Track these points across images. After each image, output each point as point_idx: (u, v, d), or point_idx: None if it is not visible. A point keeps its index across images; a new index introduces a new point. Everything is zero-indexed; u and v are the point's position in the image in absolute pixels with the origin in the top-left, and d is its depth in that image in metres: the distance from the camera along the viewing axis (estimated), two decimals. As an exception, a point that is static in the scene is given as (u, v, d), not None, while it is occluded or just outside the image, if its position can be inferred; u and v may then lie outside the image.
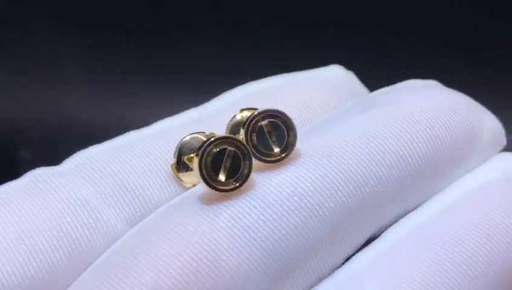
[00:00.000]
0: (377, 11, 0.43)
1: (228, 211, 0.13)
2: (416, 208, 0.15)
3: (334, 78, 0.19)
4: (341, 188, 0.14)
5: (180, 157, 0.16)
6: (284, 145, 0.14)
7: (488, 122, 0.16)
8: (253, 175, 0.14)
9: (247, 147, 0.14)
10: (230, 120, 0.16)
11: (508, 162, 0.16)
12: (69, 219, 0.14)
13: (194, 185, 0.16)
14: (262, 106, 0.15)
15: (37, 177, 0.15)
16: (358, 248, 0.14)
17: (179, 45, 0.45)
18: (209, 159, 0.14)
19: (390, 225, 0.15)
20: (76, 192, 0.15)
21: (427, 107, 0.15)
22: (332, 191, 0.14)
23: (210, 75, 0.45)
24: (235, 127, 0.16)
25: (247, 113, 0.15)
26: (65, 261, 0.14)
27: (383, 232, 0.15)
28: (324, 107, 0.17)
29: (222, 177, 0.14)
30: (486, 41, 0.44)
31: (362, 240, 0.14)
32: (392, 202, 0.14)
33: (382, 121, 0.14)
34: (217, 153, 0.14)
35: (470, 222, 0.14)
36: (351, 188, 0.14)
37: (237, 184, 0.14)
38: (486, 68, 0.44)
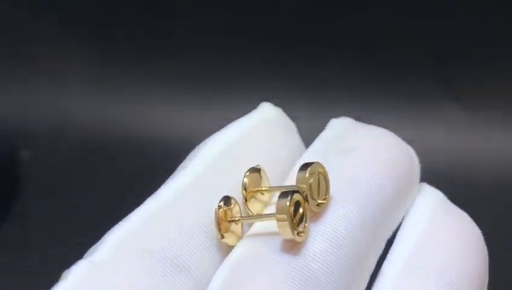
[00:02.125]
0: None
1: (300, 272, 0.15)
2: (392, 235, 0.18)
3: (273, 118, 0.20)
4: (364, 225, 0.16)
5: (219, 221, 0.16)
6: (324, 194, 0.16)
7: (410, 148, 0.19)
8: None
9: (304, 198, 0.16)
10: (244, 177, 0.17)
11: (431, 193, 0.19)
12: None
13: (229, 247, 0.16)
14: (242, 158, 0.17)
15: (83, 274, 0.15)
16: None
17: (179, 46, 0.45)
18: (291, 211, 0.15)
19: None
20: (129, 276, 0.15)
21: (382, 148, 0.18)
22: (361, 228, 0.16)
23: (210, 76, 0.45)
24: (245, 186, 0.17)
25: (255, 173, 0.17)
26: None
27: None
28: (284, 149, 0.19)
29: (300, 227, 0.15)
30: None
31: (372, 269, 0.17)
32: (382, 231, 0.17)
33: (358, 166, 0.17)
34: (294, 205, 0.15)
35: (442, 248, 0.17)
36: (366, 223, 0.16)
37: (302, 229, 0.15)
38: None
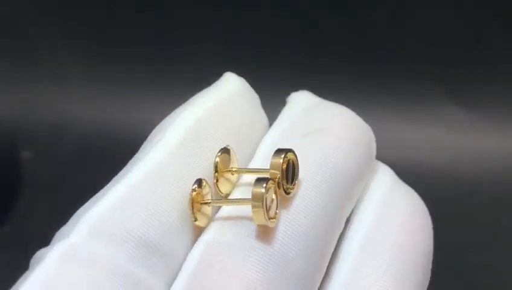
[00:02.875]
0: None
1: (277, 257, 0.15)
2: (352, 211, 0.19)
3: (237, 91, 0.20)
4: (325, 207, 0.16)
5: (193, 204, 0.16)
6: (295, 179, 0.16)
7: (369, 128, 0.20)
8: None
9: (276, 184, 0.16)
10: (215, 160, 0.17)
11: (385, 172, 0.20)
12: (116, 288, 0.14)
13: (200, 228, 0.16)
14: (211, 135, 0.18)
15: (61, 258, 0.15)
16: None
17: (179, 46, 0.45)
18: (266, 198, 0.15)
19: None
20: (109, 260, 0.15)
21: (346, 128, 0.18)
22: (322, 212, 0.16)
23: (210, 75, 0.45)
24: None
25: (225, 154, 0.17)
26: None
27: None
28: (251, 122, 0.19)
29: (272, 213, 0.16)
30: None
31: (333, 248, 0.17)
32: (344, 210, 0.18)
33: (321, 146, 0.18)
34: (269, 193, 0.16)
35: (397, 226, 0.18)
36: (329, 204, 0.17)
37: (273, 215, 0.16)
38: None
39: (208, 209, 0.16)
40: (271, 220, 0.15)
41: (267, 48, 0.45)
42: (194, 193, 0.16)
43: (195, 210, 0.16)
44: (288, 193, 0.16)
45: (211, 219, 0.16)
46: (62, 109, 0.45)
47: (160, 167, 0.16)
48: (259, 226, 0.15)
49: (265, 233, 0.15)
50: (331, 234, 0.17)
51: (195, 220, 0.16)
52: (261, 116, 0.20)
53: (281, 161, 0.16)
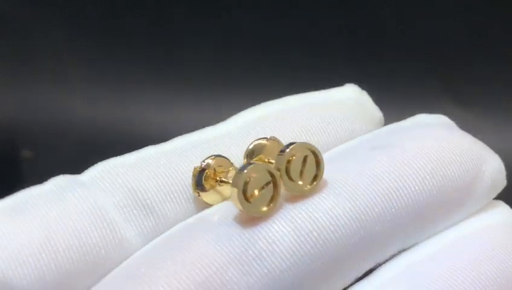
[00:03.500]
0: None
1: (239, 239, 0.14)
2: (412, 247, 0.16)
3: (350, 100, 0.19)
4: (346, 226, 0.15)
5: (201, 177, 0.16)
6: (311, 179, 0.15)
7: (491, 165, 0.17)
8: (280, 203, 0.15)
9: (279, 178, 0.15)
10: (251, 144, 0.16)
11: (503, 213, 0.17)
12: (88, 230, 0.15)
13: (208, 205, 0.16)
14: (275, 130, 0.17)
15: (61, 185, 0.16)
16: (355, 280, 0.15)
17: (180, 46, 0.45)
18: (248, 183, 0.14)
19: (386, 261, 0.16)
20: (97, 203, 0.15)
21: (431, 151, 0.16)
22: (337, 228, 0.15)
23: (210, 75, 0.45)
24: (251, 154, 0.16)
25: (263, 142, 0.16)
26: (82, 269, 0.15)
27: (378, 266, 0.16)
28: (338, 132, 0.18)
29: (252, 200, 0.15)
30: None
31: (359, 275, 0.15)
32: (390, 241, 0.15)
33: (388, 163, 0.15)
34: (253, 179, 0.15)
35: (459, 267, 0.15)
36: (355, 226, 0.15)
37: (265, 209, 0.15)
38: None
39: (223, 189, 0.16)
40: (256, 210, 0.14)
41: (267, 47, 0.45)
42: (203, 164, 0.16)
43: (207, 186, 0.16)
44: (297, 190, 0.15)
45: (225, 198, 0.16)
46: (62, 109, 0.45)
47: (196, 144, 0.17)
48: (241, 211, 0.15)
49: (248, 222, 0.15)
50: (338, 262, 0.15)
51: (195, 191, 0.16)
52: (363, 128, 0.18)
53: (284, 154, 0.15)
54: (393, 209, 0.15)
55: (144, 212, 0.16)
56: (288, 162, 0.15)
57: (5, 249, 0.14)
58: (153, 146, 0.17)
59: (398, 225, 0.15)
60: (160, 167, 0.16)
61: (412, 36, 0.44)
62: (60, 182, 0.16)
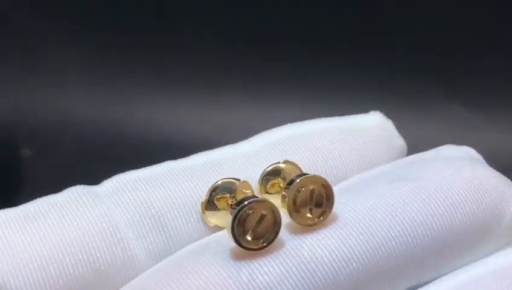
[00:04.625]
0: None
1: (248, 268, 0.14)
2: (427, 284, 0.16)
3: (373, 128, 0.19)
4: (357, 261, 0.14)
5: (212, 198, 0.16)
6: (320, 212, 0.15)
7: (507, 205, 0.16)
8: (283, 236, 0.15)
9: (280, 214, 0.15)
10: (268, 167, 0.16)
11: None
12: (99, 246, 0.15)
13: (217, 227, 0.16)
14: (296, 154, 0.17)
15: (77, 195, 0.16)
16: None
17: (179, 46, 0.45)
18: (242, 218, 0.14)
19: None
20: (109, 219, 0.15)
21: (451, 187, 0.15)
22: (348, 263, 0.14)
23: (210, 75, 0.45)
24: (268, 177, 0.16)
25: (281, 166, 0.16)
26: (89, 285, 0.15)
27: None
28: (360, 160, 0.18)
29: (249, 237, 0.14)
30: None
31: None
32: (404, 278, 0.15)
33: (407, 198, 0.15)
34: (251, 214, 0.14)
35: None
36: (367, 262, 0.14)
37: (264, 244, 0.14)
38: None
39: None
40: (252, 247, 0.14)
41: (267, 47, 0.45)
42: (214, 192, 0.16)
43: (220, 206, 0.16)
44: (304, 224, 0.15)
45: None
46: (62, 109, 0.45)
47: (215, 162, 0.17)
48: (237, 247, 0.15)
49: (240, 256, 0.14)
50: None
51: (204, 216, 0.16)
52: (385, 161, 0.18)
53: (291, 186, 0.15)
54: (409, 245, 0.14)
55: (156, 229, 0.16)
56: (297, 193, 0.15)
57: (14, 259, 0.14)
58: (172, 161, 0.17)
59: (414, 261, 0.15)
60: (176, 185, 0.16)
61: (412, 36, 0.44)
62: (75, 193, 0.16)
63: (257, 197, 0.15)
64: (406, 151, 0.19)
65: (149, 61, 0.46)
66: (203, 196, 0.16)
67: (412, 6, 0.43)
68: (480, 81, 0.44)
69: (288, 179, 0.16)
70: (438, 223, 0.15)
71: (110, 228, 0.15)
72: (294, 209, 0.15)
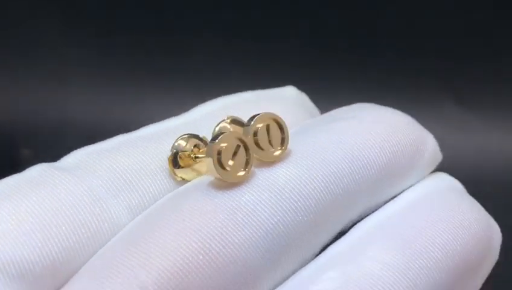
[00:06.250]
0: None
1: (233, 196, 0.15)
2: (376, 206, 0.18)
3: (292, 97, 0.21)
4: (322, 184, 0.16)
5: (176, 154, 0.17)
6: (279, 144, 0.16)
7: (429, 141, 0.19)
8: (254, 169, 0.16)
9: (249, 143, 0.16)
10: (216, 126, 0.18)
11: (443, 180, 0.19)
12: (78, 208, 0.15)
13: (185, 180, 0.17)
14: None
15: (42, 171, 0.16)
16: (332, 238, 0.17)
17: (180, 46, 0.45)
18: (221, 151, 0.16)
19: (355, 221, 0.17)
20: (81, 183, 0.16)
21: (383, 123, 0.18)
22: (315, 186, 0.16)
23: (210, 75, 0.45)
24: (220, 133, 0.17)
25: (227, 124, 0.18)
26: (77, 246, 0.15)
27: (349, 227, 0.17)
28: (287, 122, 0.19)
29: (228, 168, 0.16)
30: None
31: (336, 232, 0.17)
32: (359, 200, 0.17)
33: (349, 132, 0.17)
34: (226, 147, 0.16)
35: (423, 220, 0.17)
36: (330, 185, 0.16)
37: (242, 173, 0.16)
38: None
39: (199, 166, 0.17)
40: (228, 176, 0.15)
41: (268, 46, 0.45)
42: (178, 142, 0.17)
43: (182, 164, 0.17)
44: (267, 156, 0.16)
45: (201, 175, 0.17)
46: (62, 109, 0.45)
47: (168, 130, 0.18)
48: (216, 179, 0.16)
49: (224, 187, 0.16)
50: (312, 222, 0.16)
51: (172, 171, 0.17)
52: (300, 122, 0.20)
53: (252, 121, 0.16)
54: (360, 169, 0.17)
55: (129, 188, 0.16)
56: (255, 133, 0.16)
57: (6, 238, 0.15)
58: (124, 134, 0.18)
59: (363, 185, 0.17)
60: (138, 149, 0.17)
61: (412, 36, 0.44)
62: (40, 169, 0.16)
63: (227, 132, 0.16)
64: None
65: (149, 61, 0.46)
66: (164, 156, 0.17)
67: (412, 6, 0.43)
68: (480, 81, 0.44)
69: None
70: (377, 153, 0.17)
71: (85, 193, 0.16)
72: (258, 146, 0.16)
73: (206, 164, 0.16)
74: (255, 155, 0.16)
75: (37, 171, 0.16)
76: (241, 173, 0.16)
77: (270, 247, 0.15)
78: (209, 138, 0.17)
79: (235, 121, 0.17)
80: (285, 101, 0.20)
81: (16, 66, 0.46)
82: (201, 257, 0.14)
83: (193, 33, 0.45)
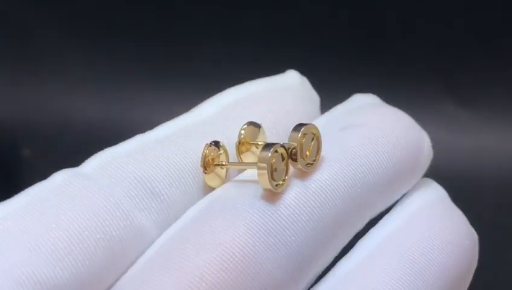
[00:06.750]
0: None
1: (253, 218, 0.15)
2: (381, 213, 0.18)
3: (297, 86, 0.21)
4: (339, 194, 0.16)
5: (206, 163, 0.17)
6: (314, 155, 0.17)
7: (425, 140, 0.19)
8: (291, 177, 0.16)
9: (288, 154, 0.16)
10: (241, 130, 0.18)
11: (436, 191, 0.19)
12: (108, 222, 0.15)
13: (212, 189, 0.17)
14: (249, 114, 0.18)
15: (68, 179, 0.16)
16: (341, 249, 0.17)
17: (179, 46, 0.45)
18: (273, 164, 0.16)
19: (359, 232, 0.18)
20: (109, 195, 0.16)
21: (388, 129, 0.18)
22: (331, 198, 0.16)
23: (210, 75, 0.45)
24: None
25: (249, 127, 0.18)
26: (109, 262, 0.15)
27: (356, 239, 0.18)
28: (298, 112, 0.20)
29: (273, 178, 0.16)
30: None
31: (346, 242, 0.17)
32: (368, 207, 0.17)
33: (360, 141, 0.17)
34: (276, 159, 0.16)
35: (424, 237, 0.17)
36: (345, 194, 0.16)
37: (281, 183, 0.16)
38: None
39: (221, 172, 0.17)
40: (277, 186, 0.16)
41: (268, 45, 0.45)
42: (207, 150, 0.17)
43: (208, 170, 0.17)
44: (307, 166, 0.16)
45: (224, 182, 0.17)
46: (62, 109, 0.45)
47: (186, 130, 0.18)
48: (265, 190, 0.16)
49: (269, 197, 0.16)
50: (343, 220, 0.16)
51: (205, 172, 0.17)
52: (313, 113, 0.20)
53: (299, 133, 0.16)
54: (371, 177, 0.17)
55: (155, 200, 0.16)
56: (301, 141, 0.16)
57: (37, 247, 0.14)
58: (142, 135, 0.18)
59: (373, 193, 0.17)
60: (158, 155, 0.17)
61: (413, 36, 0.44)
62: (65, 176, 0.16)
63: (274, 143, 0.16)
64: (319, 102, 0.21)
65: (150, 61, 0.46)
66: (187, 161, 0.17)
67: (413, 6, 0.43)
68: (481, 81, 0.44)
69: (252, 138, 0.18)
70: (388, 158, 0.17)
71: (113, 206, 0.15)
72: (301, 155, 0.16)
73: (257, 176, 0.16)
74: (291, 165, 0.16)
75: (63, 180, 0.16)
76: (280, 182, 0.16)
77: (291, 266, 0.15)
78: (227, 142, 0.17)
79: (252, 123, 0.18)
80: (293, 93, 0.20)
81: (16, 66, 0.46)
82: (230, 276, 0.15)
83: (193, 33, 0.45)
